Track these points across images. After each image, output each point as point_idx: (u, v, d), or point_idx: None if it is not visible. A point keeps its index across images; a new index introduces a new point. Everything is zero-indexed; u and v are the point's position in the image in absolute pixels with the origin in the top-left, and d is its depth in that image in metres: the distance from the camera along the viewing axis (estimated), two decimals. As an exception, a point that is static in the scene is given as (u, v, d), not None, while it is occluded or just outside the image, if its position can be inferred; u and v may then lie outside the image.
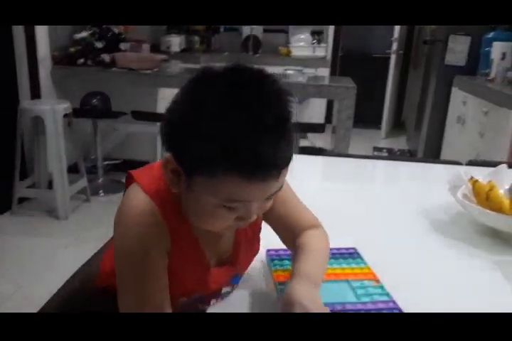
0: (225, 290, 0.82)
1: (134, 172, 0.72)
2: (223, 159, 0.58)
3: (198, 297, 0.80)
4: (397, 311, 0.77)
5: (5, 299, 2.02)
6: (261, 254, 0.90)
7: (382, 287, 0.85)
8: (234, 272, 0.82)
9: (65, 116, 2.84)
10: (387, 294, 0.82)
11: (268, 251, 0.94)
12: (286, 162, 0.61)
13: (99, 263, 0.91)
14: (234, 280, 0.84)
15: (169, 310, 0.71)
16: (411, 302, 0.80)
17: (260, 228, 0.84)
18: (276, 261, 0.92)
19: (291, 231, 0.85)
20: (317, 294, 0.72)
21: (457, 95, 3.45)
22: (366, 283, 0.86)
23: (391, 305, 0.79)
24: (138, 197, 0.69)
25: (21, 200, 2.94)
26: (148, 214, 0.68)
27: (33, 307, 0.88)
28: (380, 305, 0.79)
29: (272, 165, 0.59)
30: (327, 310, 0.70)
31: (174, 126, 0.61)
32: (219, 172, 0.59)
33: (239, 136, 0.57)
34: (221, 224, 0.68)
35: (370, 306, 0.78)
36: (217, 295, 0.82)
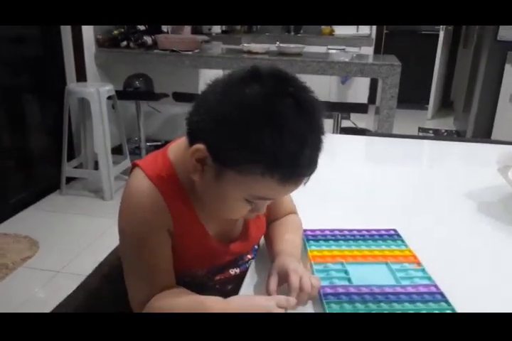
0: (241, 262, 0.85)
1: (138, 161, 0.75)
2: (267, 163, 0.62)
3: (214, 268, 0.82)
4: (440, 296, 0.74)
5: (53, 275, 2.12)
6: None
7: (423, 270, 0.82)
8: (245, 248, 0.84)
9: (109, 98, 2.89)
10: (429, 278, 0.79)
11: (304, 231, 0.93)
12: (313, 172, 0.67)
13: None
14: (246, 262, 0.87)
15: (175, 290, 0.74)
16: (455, 288, 0.76)
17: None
18: (312, 242, 0.91)
19: (274, 215, 0.89)
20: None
21: (510, 72, 3.27)
22: (407, 265, 0.83)
23: (433, 289, 0.76)
24: (140, 182, 0.72)
25: (69, 180, 3.04)
26: (150, 198, 0.70)
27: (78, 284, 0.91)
28: (421, 289, 0.76)
29: (306, 174, 0.66)
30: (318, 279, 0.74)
31: (221, 122, 0.63)
32: (257, 173, 0.62)
33: (286, 145, 0.61)
34: (236, 214, 0.73)
35: (410, 289, 0.76)
36: (235, 265, 0.84)
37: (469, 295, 0.77)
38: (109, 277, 0.90)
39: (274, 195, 0.69)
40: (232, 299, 0.70)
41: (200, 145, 0.65)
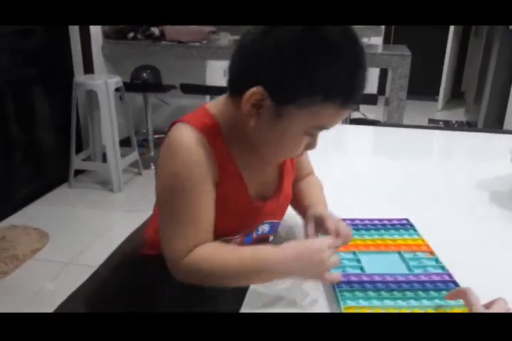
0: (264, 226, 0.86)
1: (178, 120, 0.75)
2: (327, 90, 0.65)
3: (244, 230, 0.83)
4: (453, 285, 0.73)
5: (63, 267, 2.12)
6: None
7: (437, 259, 0.80)
8: (278, 208, 0.86)
9: (117, 90, 2.88)
10: (443, 267, 0.78)
11: (344, 220, 0.92)
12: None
13: (145, 232, 0.92)
14: (275, 224, 0.88)
15: (218, 242, 0.74)
16: (468, 277, 0.75)
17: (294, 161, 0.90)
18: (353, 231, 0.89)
19: (298, 174, 0.92)
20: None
21: (523, 62, 3.21)
22: (419, 254, 0.82)
23: (446, 277, 0.75)
24: (189, 133, 0.72)
25: (77, 173, 3.05)
26: (200, 147, 0.71)
27: (88, 275, 0.91)
28: (435, 278, 0.75)
29: (359, 96, 0.69)
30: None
31: (277, 62, 0.65)
32: (318, 102, 0.66)
33: (341, 70, 0.65)
34: (296, 150, 0.75)
35: (423, 278, 0.75)
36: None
37: (483, 285, 0.76)
38: (120, 267, 0.90)
39: (334, 122, 0.71)
40: (285, 245, 0.71)
41: (255, 89, 0.67)
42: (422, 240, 0.87)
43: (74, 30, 3.00)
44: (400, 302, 0.70)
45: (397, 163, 1.36)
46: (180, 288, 0.81)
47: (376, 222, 0.93)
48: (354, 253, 0.83)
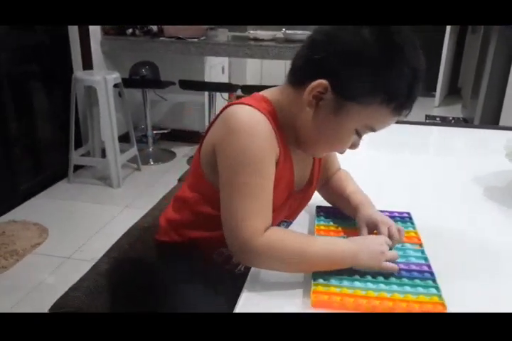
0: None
1: (234, 101, 0.77)
2: (387, 93, 0.69)
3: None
4: (429, 275, 0.75)
5: (62, 261, 2.14)
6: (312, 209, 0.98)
7: (422, 251, 0.83)
8: (303, 200, 0.91)
9: (116, 86, 2.89)
10: (426, 258, 0.81)
11: (318, 207, 0.97)
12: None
13: (160, 218, 0.95)
14: (289, 224, 0.92)
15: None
16: (450, 270, 0.79)
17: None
18: (322, 217, 0.94)
19: (329, 170, 0.98)
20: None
21: (520, 58, 3.23)
22: (407, 245, 0.85)
23: (425, 268, 0.77)
24: (252, 113, 0.73)
25: (76, 168, 3.06)
26: (266, 126, 0.73)
27: (87, 270, 0.92)
28: (413, 267, 0.77)
29: (413, 105, 0.73)
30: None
31: (346, 59, 0.69)
32: (376, 103, 0.69)
33: (405, 76, 0.69)
34: (343, 146, 0.79)
35: (401, 266, 0.77)
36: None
37: (461, 277, 0.78)
38: (119, 260, 0.92)
39: (384, 124, 0.75)
40: (353, 238, 0.80)
41: (320, 81, 0.70)
42: (415, 233, 0.89)
43: (73, 27, 3.01)
44: (369, 284, 0.73)
45: (394, 159, 1.38)
46: (193, 273, 0.85)
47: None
48: (344, 238, 0.86)
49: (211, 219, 0.80)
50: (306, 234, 0.78)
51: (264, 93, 0.80)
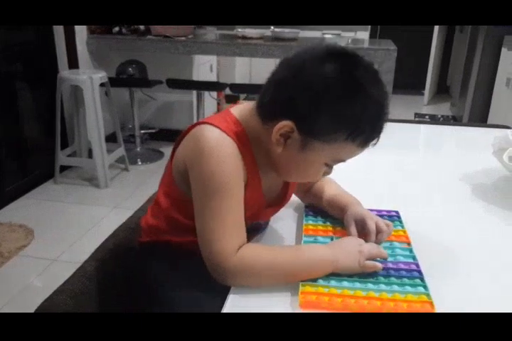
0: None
1: (204, 120, 0.78)
2: (351, 130, 0.70)
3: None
4: (417, 273, 0.75)
5: (49, 263, 2.11)
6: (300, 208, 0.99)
7: (411, 250, 0.83)
8: (277, 210, 0.92)
9: (102, 85, 2.86)
10: (414, 257, 0.80)
11: (307, 207, 0.98)
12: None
13: (141, 220, 0.94)
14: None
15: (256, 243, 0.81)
16: (438, 269, 0.78)
17: None
18: (310, 217, 0.94)
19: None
20: None
21: (507, 56, 3.25)
22: (396, 244, 0.85)
23: (413, 266, 0.77)
24: (219, 135, 0.75)
25: (63, 169, 3.03)
26: (232, 150, 0.75)
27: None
28: (401, 266, 0.77)
29: (379, 136, 0.75)
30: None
31: (307, 99, 0.70)
32: (341, 140, 0.71)
33: (368, 113, 0.70)
34: (314, 178, 0.82)
35: (389, 265, 0.77)
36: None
37: (450, 276, 0.78)
38: (105, 262, 0.91)
39: (352, 156, 0.77)
40: (331, 244, 0.80)
41: (284, 123, 0.72)
42: (404, 231, 0.88)
43: (58, 26, 2.96)
44: (357, 284, 0.72)
45: (382, 157, 1.37)
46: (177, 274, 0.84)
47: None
48: (332, 238, 0.85)
49: (184, 226, 0.80)
50: (282, 245, 0.78)
51: (234, 112, 0.80)
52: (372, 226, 0.83)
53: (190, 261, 0.80)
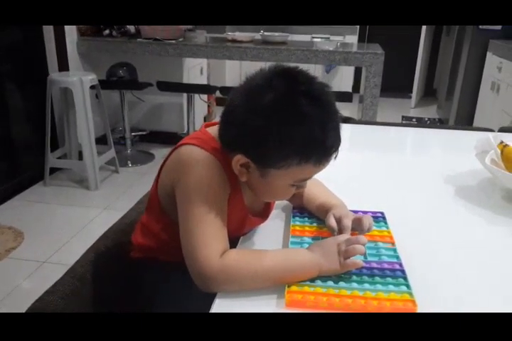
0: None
1: (184, 140, 0.82)
2: (300, 155, 0.73)
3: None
4: (400, 273, 0.77)
5: (39, 265, 2.11)
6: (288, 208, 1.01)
7: (395, 250, 0.84)
8: (262, 221, 0.94)
9: (92, 87, 2.86)
10: (397, 257, 0.82)
11: (294, 208, 1.00)
12: (339, 146, 0.78)
13: (132, 236, 0.96)
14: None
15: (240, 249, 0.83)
16: (421, 268, 0.80)
17: None
18: (297, 218, 0.96)
19: None
20: None
21: (492, 61, 3.31)
22: (380, 244, 0.86)
23: (396, 266, 0.79)
24: (202, 154, 0.78)
25: (53, 171, 3.02)
26: (216, 168, 0.78)
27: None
28: (385, 265, 0.79)
29: (334, 151, 0.76)
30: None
31: (251, 133, 0.73)
32: (294, 164, 0.74)
33: (312, 136, 0.72)
34: (286, 197, 0.86)
35: (373, 265, 0.78)
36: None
37: (433, 276, 0.80)
38: (95, 263, 0.92)
39: (314, 174, 0.80)
40: (311, 247, 0.79)
41: (239, 156, 0.76)
42: (388, 232, 0.90)
43: (48, 27, 2.96)
44: (342, 283, 0.74)
45: (370, 159, 1.40)
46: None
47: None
48: (318, 238, 0.86)
49: (175, 247, 0.81)
50: (265, 250, 0.78)
51: (211, 131, 0.83)
52: (347, 223, 0.85)
53: (181, 274, 0.81)
